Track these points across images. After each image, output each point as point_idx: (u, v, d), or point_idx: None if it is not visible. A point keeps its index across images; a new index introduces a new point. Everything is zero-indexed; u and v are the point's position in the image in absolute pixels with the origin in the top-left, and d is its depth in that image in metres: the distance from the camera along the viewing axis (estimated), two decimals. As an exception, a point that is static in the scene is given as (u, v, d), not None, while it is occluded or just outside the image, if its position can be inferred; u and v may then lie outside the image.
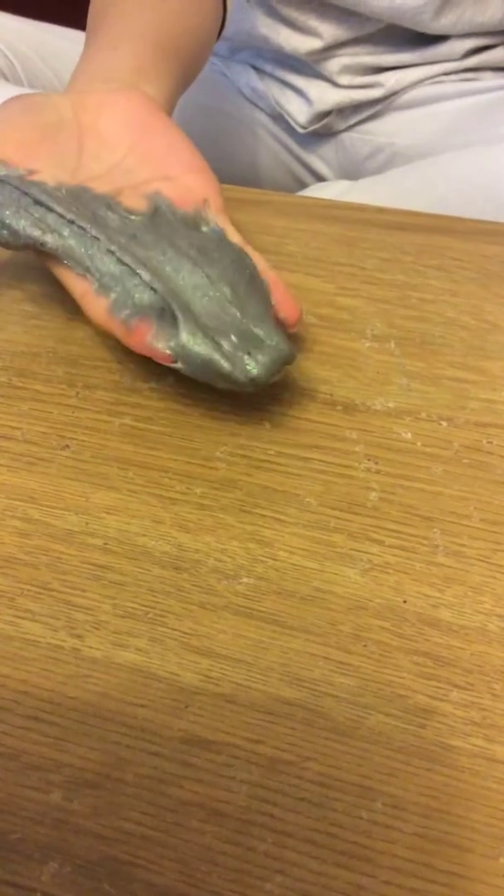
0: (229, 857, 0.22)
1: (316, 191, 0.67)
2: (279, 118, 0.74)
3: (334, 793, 0.24)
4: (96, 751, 0.24)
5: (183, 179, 0.36)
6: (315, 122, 0.71)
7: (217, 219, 0.35)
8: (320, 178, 0.76)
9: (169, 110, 0.42)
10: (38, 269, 0.40)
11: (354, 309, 0.40)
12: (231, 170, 0.76)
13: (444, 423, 0.34)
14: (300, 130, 0.72)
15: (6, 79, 0.67)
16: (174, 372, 0.36)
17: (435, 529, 0.30)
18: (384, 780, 0.24)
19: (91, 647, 0.27)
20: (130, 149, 0.37)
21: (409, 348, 0.37)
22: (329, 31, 0.65)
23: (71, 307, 0.39)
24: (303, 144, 0.75)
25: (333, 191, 0.65)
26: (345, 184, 0.66)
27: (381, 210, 0.47)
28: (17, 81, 0.68)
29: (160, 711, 0.25)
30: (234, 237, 0.35)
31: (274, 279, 0.34)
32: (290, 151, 0.76)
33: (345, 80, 0.67)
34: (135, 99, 0.38)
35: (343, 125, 0.71)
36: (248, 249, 0.35)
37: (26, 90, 0.67)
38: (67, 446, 0.33)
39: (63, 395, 0.35)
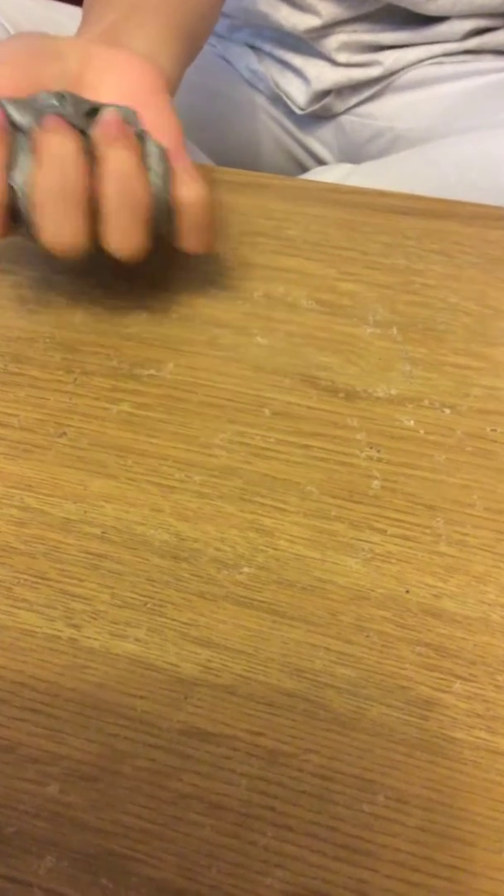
0: (229, 851, 0.22)
1: (317, 174, 0.66)
2: (278, 101, 0.73)
3: (335, 785, 0.23)
4: (94, 743, 0.24)
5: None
6: (314, 103, 0.70)
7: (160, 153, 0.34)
8: (321, 162, 0.75)
9: (174, 90, 0.41)
10: (34, 253, 0.40)
11: (356, 294, 0.39)
12: (231, 153, 0.75)
13: (447, 411, 0.33)
14: (299, 112, 0.71)
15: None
16: (173, 359, 0.35)
17: (438, 518, 0.29)
18: (386, 772, 0.24)
19: (89, 638, 0.26)
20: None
21: (411, 334, 0.37)
22: (328, 9, 0.64)
23: (69, 293, 0.38)
24: (302, 127, 0.74)
25: (335, 174, 0.64)
26: (346, 167, 0.65)
27: (382, 194, 0.46)
28: None
29: (159, 703, 0.25)
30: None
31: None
32: (291, 135, 0.75)
33: (343, 57, 0.66)
34: (147, 72, 0.37)
35: (342, 107, 0.70)
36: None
37: None
38: (65, 433, 0.33)
39: (60, 382, 0.35)
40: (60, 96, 0.33)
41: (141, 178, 0.32)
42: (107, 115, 0.33)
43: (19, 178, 0.31)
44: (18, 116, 0.32)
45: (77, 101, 0.33)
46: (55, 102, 0.33)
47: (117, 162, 0.32)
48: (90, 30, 0.40)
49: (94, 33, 0.39)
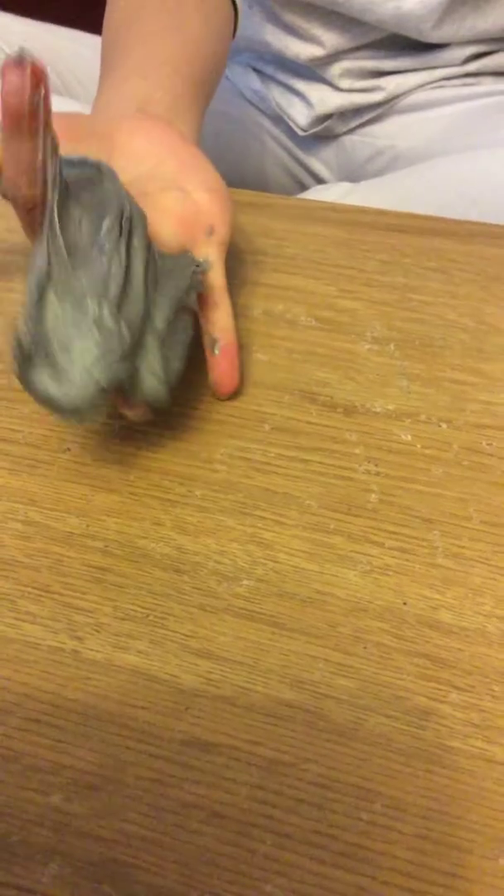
0: (229, 859, 0.22)
1: (317, 193, 0.67)
2: (279, 120, 0.74)
3: (334, 794, 0.24)
4: (97, 753, 0.24)
5: (196, 195, 0.36)
6: (316, 126, 0.71)
7: (211, 251, 0.35)
8: (320, 181, 0.76)
9: (197, 140, 0.42)
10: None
11: (354, 311, 0.40)
12: (231, 171, 0.76)
13: (444, 426, 0.34)
14: (300, 133, 0.72)
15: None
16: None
17: (435, 531, 0.30)
18: (384, 781, 0.24)
19: (91, 650, 0.27)
20: (156, 164, 0.37)
21: (408, 350, 0.37)
22: (332, 39, 0.65)
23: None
24: (303, 147, 0.75)
25: (334, 193, 0.65)
26: (345, 186, 0.66)
27: (380, 212, 0.47)
28: None
29: (160, 714, 0.25)
30: (218, 278, 0.35)
31: (228, 344, 0.35)
32: (291, 153, 0.76)
33: (346, 83, 0.68)
34: (169, 131, 0.38)
35: (344, 128, 0.71)
36: (224, 305, 0.35)
37: None
38: (68, 449, 0.33)
39: (64, 398, 0.35)
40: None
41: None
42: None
43: None
44: None
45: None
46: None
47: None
48: (111, 96, 0.40)
49: (116, 102, 0.40)
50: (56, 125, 0.35)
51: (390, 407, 0.35)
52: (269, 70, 0.72)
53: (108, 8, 0.50)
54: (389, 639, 0.27)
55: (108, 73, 0.44)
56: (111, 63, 0.44)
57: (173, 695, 0.26)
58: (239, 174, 0.76)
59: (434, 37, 0.64)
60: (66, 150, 0.34)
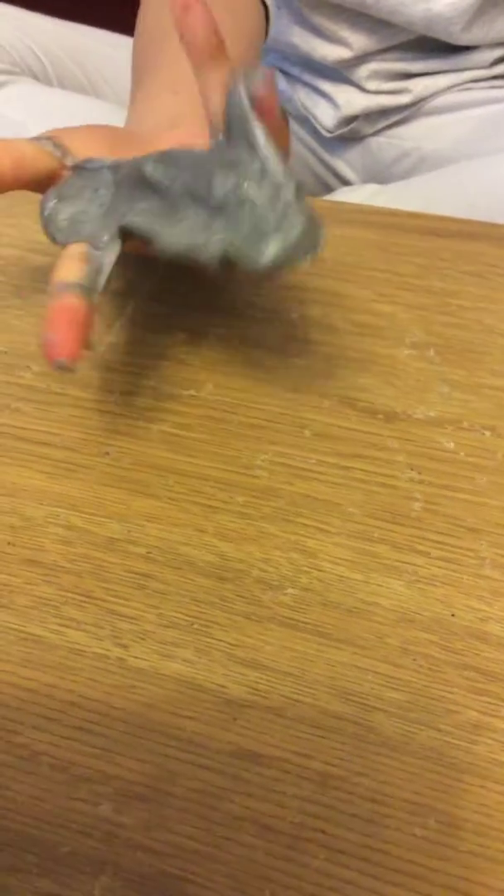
0: (282, 873, 0.22)
1: (343, 194, 0.67)
2: (305, 121, 0.74)
3: (386, 809, 0.23)
4: (145, 763, 0.24)
5: None
6: (342, 127, 0.70)
7: None
8: (345, 182, 0.76)
9: None
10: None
11: (392, 316, 0.39)
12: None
13: (487, 433, 0.33)
14: (326, 135, 0.72)
15: (37, 79, 0.67)
16: (212, 379, 0.36)
17: (481, 541, 0.30)
18: (436, 796, 0.24)
19: (137, 658, 0.27)
20: None
21: (448, 356, 0.37)
22: (359, 41, 0.65)
23: (107, 314, 0.39)
24: (328, 148, 0.75)
25: (361, 194, 0.64)
26: (373, 187, 0.65)
27: (414, 215, 0.46)
28: (48, 82, 0.68)
29: (208, 724, 0.25)
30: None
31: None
32: (316, 154, 0.76)
33: (373, 85, 0.67)
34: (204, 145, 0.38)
35: (370, 130, 0.71)
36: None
37: (56, 90, 0.67)
38: (107, 453, 0.33)
39: (101, 402, 0.35)
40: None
41: None
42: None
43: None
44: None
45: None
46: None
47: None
48: (144, 106, 0.41)
49: (150, 112, 0.40)
50: (95, 136, 0.35)
51: (432, 413, 0.34)
52: (294, 71, 0.72)
53: (140, 16, 0.50)
54: (438, 651, 0.27)
55: (140, 87, 0.43)
56: (142, 76, 0.44)
57: (220, 705, 0.25)
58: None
59: (463, 39, 0.64)
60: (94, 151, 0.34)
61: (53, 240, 0.32)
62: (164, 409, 0.35)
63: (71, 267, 0.30)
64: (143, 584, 0.29)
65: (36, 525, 0.30)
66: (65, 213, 0.32)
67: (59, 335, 0.28)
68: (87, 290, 0.29)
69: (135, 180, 0.31)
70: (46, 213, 0.32)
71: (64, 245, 0.32)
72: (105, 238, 0.31)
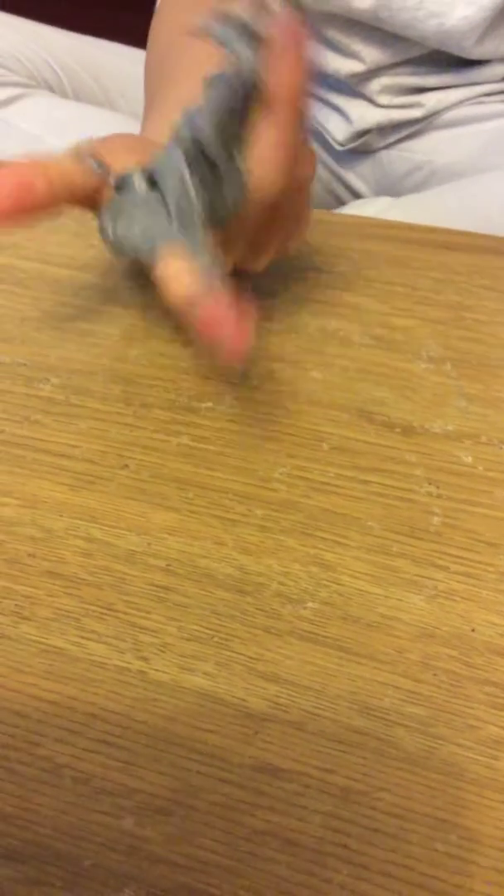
0: (305, 888, 0.22)
1: (356, 208, 0.67)
2: (317, 134, 0.74)
3: (409, 824, 0.23)
4: (167, 776, 0.24)
5: None
6: (353, 140, 0.71)
7: None
8: (356, 194, 0.76)
9: None
10: (94, 286, 0.41)
11: (409, 330, 0.39)
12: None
13: (505, 448, 0.33)
14: (338, 148, 0.72)
15: (53, 92, 0.68)
16: (230, 392, 0.36)
17: (501, 556, 0.30)
18: (458, 812, 0.24)
19: (158, 670, 0.27)
20: None
21: (465, 370, 0.37)
22: (372, 55, 0.65)
23: (126, 326, 0.39)
24: (340, 160, 0.75)
25: (374, 208, 0.65)
26: (385, 200, 0.66)
27: (430, 230, 0.47)
28: (64, 94, 0.69)
29: (230, 738, 0.25)
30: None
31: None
32: (327, 167, 0.76)
33: (385, 99, 0.68)
34: None
35: (382, 143, 0.71)
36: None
37: (72, 102, 0.68)
38: (126, 465, 0.33)
39: (120, 414, 0.35)
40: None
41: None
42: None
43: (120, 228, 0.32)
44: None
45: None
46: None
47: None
48: (162, 119, 0.40)
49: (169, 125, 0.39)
50: (126, 146, 0.35)
51: (449, 427, 0.34)
52: None
53: (153, 31, 0.50)
54: (459, 666, 0.27)
55: (156, 99, 0.44)
56: (157, 92, 0.44)
57: (241, 719, 0.26)
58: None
59: (476, 53, 0.64)
60: (132, 163, 0.34)
61: (120, 255, 0.33)
62: (183, 421, 0.35)
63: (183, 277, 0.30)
64: (163, 596, 0.29)
65: (56, 537, 0.30)
66: (131, 230, 0.32)
67: (228, 330, 0.28)
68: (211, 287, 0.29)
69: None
70: (112, 237, 0.33)
71: (146, 261, 0.32)
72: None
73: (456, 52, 0.64)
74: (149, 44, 0.50)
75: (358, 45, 0.65)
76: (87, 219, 0.35)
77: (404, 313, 0.40)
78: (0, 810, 0.23)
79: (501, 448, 0.33)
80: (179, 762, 0.25)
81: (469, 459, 0.33)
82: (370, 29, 0.64)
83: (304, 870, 0.23)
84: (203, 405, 0.36)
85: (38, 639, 0.27)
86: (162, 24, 0.49)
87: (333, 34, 0.65)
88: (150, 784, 0.24)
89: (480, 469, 0.33)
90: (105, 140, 0.35)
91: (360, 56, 0.65)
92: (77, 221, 0.44)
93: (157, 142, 0.38)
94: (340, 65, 0.66)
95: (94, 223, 0.34)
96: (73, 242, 0.43)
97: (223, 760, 0.25)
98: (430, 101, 0.67)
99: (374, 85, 0.67)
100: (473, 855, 0.23)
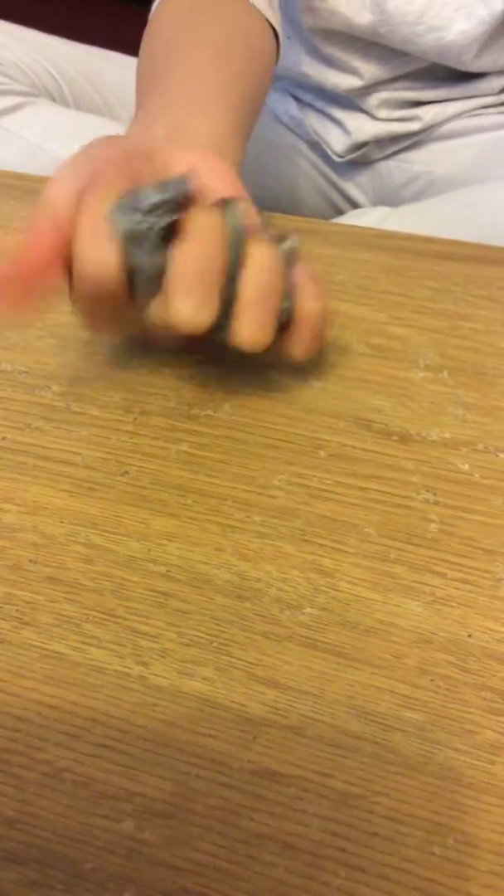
0: (303, 892, 0.22)
1: (354, 217, 0.68)
2: (316, 145, 0.75)
3: (406, 828, 0.24)
4: (167, 780, 0.24)
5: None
6: (352, 152, 0.72)
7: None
8: (355, 205, 0.77)
9: (240, 171, 0.42)
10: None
11: (406, 338, 0.40)
12: (267, 194, 0.77)
13: (502, 455, 0.34)
14: (337, 159, 0.73)
15: (54, 100, 0.68)
16: (229, 400, 0.36)
17: (497, 563, 0.30)
18: (455, 816, 0.24)
19: (157, 675, 0.27)
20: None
21: (462, 378, 0.38)
22: (371, 70, 0.66)
23: (126, 334, 0.40)
24: (339, 171, 0.76)
25: (372, 217, 0.65)
26: (383, 210, 0.66)
27: (427, 240, 0.47)
28: (65, 103, 0.69)
29: (229, 742, 0.25)
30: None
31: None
32: (327, 178, 0.77)
33: (383, 113, 0.68)
34: (222, 167, 0.37)
35: (380, 154, 0.72)
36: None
37: (72, 111, 0.68)
38: (126, 472, 0.33)
39: (120, 421, 0.35)
40: (163, 185, 0.32)
41: (281, 276, 0.33)
42: (245, 207, 0.33)
43: (140, 257, 0.32)
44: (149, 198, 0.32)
45: (178, 186, 0.33)
46: (157, 196, 0.32)
47: (263, 255, 0.32)
48: (154, 122, 0.40)
49: (162, 130, 0.39)
50: (119, 172, 0.35)
51: (446, 435, 0.35)
52: (307, 98, 0.73)
53: (148, 32, 0.49)
54: (456, 671, 0.27)
55: (149, 99, 0.43)
56: (152, 94, 0.44)
57: (240, 723, 0.26)
58: (274, 197, 0.77)
59: (474, 66, 0.65)
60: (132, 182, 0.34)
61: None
62: (182, 429, 0.35)
63: None
64: (163, 602, 0.29)
65: (57, 543, 0.31)
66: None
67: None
68: None
69: None
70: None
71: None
72: None
73: (455, 65, 0.64)
74: (144, 39, 0.49)
75: (357, 62, 0.66)
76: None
77: (401, 322, 0.41)
78: (1, 814, 0.24)
79: (498, 456, 0.34)
80: (179, 766, 0.25)
81: (466, 467, 0.33)
82: (368, 45, 0.65)
83: (302, 873, 0.23)
84: (203, 413, 0.36)
85: (38, 644, 0.28)
86: (158, 24, 0.49)
87: (332, 51, 0.66)
88: (149, 788, 0.24)
89: (477, 476, 0.33)
90: (97, 167, 0.34)
91: (359, 72, 0.66)
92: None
93: (142, 150, 0.37)
94: (340, 80, 0.67)
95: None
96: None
97: (222, 765, 0.25)
98: (428, 114, 0.68)
99: (373, 100, 0.68)
100: (470, 859, 0.23)
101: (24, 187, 0.53)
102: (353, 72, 0.66)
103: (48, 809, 0.24)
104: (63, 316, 0.41)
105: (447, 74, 0.66)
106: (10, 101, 0.64)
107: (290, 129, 0.75)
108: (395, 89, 0.67)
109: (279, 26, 0.53)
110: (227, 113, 0.41)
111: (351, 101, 0.69)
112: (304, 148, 0.76)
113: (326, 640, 0.28)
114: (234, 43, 0.47)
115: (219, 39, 0.46)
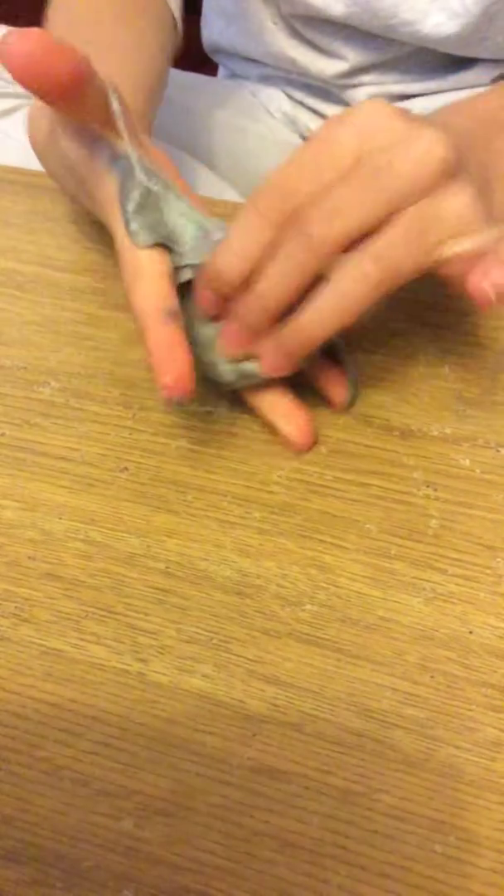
0: (303, 889, 0.22)
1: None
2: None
3: (407, 825, 0.23)
4: (166, 778, 0.24)
5: None
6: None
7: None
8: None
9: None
10: (93, 289, 0.41)
11: (408, 334, 0.40)
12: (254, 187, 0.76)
13: (503, 450, 0.34)
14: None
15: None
16: (229, 396, 0.36)
17: (498, 559, 0.30)
18: (457, 813, 0.24)
19: (157, 672, 0.27)
20: None
21: (463, 374, 0.37)
22: (354, 55, 0.66)
23: (126, 330, 0.39)
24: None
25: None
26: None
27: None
28: None
29: (228, 739, 0.25)
30: None
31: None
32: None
33: None
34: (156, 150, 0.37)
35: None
36: None
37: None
38: (126, 468, 0.33)
39: (120, 417, 0.35)
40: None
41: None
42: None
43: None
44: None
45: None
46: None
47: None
48: None
49: None
50: None
51: (447, 431, 0.35)
52: (298, 95, 0.73)
53: (51, 13, 0.48)
54: (457, 668, 0.27)
55: None
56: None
57: (240, 720, 0.26)
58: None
59: (460, 53, 0.64)
60: None
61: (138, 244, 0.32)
62: (182, 425, 0.35)
63: (165, 289, 0.30)
64: (162, 599, 0.29)
65: (56, 539, 0.31)
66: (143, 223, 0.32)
67: (173, 374, 0.28)
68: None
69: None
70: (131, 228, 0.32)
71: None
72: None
73: (441, 51, 0.64)
74: (49, 20, 0.49)
75: (340, 47, 0.65)
76: (87, 223, 0.35)
77: (403, 318, 0.40)
78: (0, 812, 0.23)
79: (499, 451, 0.34)
80: (178, 764, 0.25)
81: (466, 462, 0.33)
82: (351, 29, 0.64)
83: (303, 871, 0.23)
84: (202, 409, 0.36)
85: (37, 641, 0.28)
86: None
87: (314, 35, 0.65)
88: (149, 786, 0.24)
89: (478, 472, 0.33)
90: None
91: (343, 55, 0.66)
92: (77, 226, 0.44)
93: None
94: (324, 65, 0.67)
95: (94, 227, 0.34)
96: (72, 246, 0.43)
97: (222, 762, 0.25)
98: (416, 107, 0.68)
99: (361, 94, 0.67)
100: (471, 856, 0.23)
101: (22, 182, 0.52)
102: (336, 55, 0.65)
103: (47, 807, 0.24)
104: (62, 312, 0.40)
105: (435, 64, 0.66)
106: (8, 103, 0.64)
107: (283, 124, 0.75)
108: (383, 83, 0.67)
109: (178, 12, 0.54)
110: (141, 95, 0.42)
111: (341, 97, 0.68)
112: (296, 142, 0.75)
113: (327, 637, 0.28)
114: (143, 27, 0.48)
115: (131, 22, 0.47)
